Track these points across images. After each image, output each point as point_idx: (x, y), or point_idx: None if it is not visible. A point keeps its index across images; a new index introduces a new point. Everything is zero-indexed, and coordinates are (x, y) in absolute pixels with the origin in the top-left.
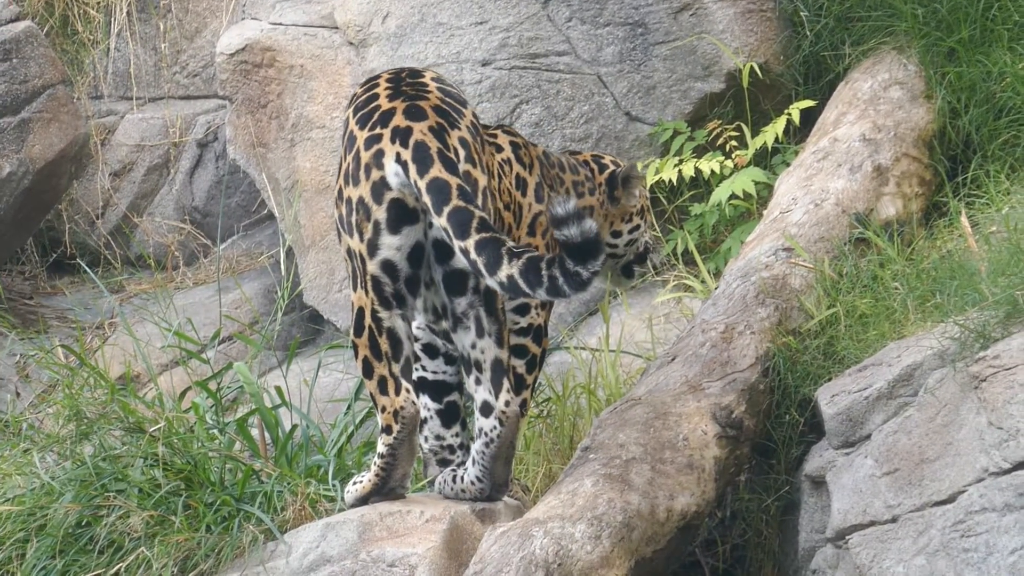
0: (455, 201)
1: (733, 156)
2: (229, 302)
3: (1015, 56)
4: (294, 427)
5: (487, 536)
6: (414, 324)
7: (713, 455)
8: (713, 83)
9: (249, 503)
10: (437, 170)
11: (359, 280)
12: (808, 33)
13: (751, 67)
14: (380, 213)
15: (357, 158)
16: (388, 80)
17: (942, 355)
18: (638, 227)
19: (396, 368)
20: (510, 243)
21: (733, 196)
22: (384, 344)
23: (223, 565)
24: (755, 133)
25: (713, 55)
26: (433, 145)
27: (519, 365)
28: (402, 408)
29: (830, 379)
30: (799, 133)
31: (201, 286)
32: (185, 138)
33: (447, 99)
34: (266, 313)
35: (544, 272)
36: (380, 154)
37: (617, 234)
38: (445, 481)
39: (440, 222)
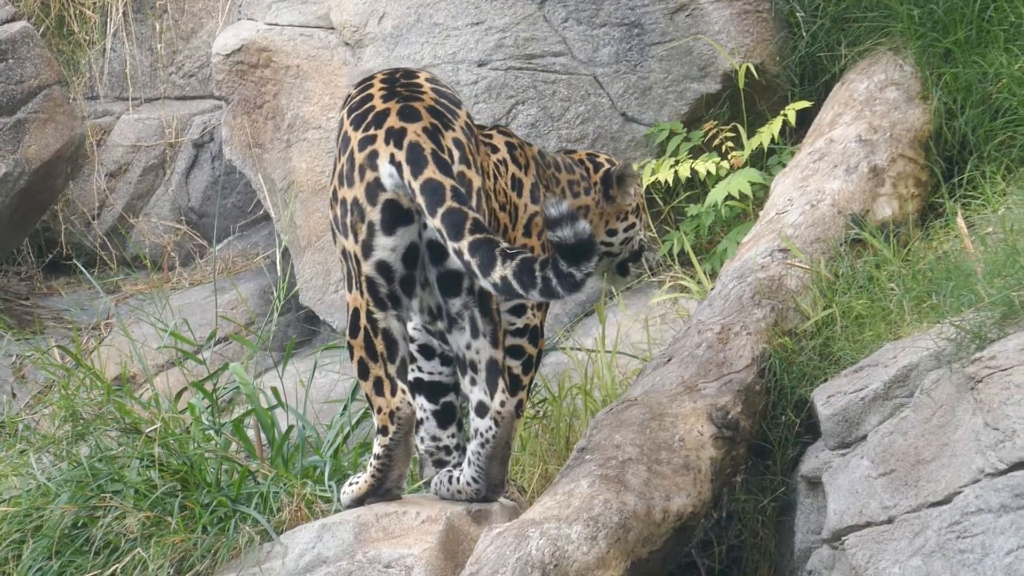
0: (449, 202)
1: (729, 157)
2: (225, 303)
3: (1011, 57)
4: (290, 428)
5: (483, 537)
6: (410, 325)
7: (709, 456)
8: (709, 84)
9: (245, 504)
10: (431, 171)
11: (354, 281)
12: (804, 34)
13: (747, 68)
14: (374, 214)
15: (351, 159)
16: (382, 81)
17: (938, 356)
18: (633, 225)
19: (392, 369)
20: (504, 244)
21: (729, 197)
22: (379, 345)
23: (219, 566)
24: (751, 134)
25: (709, 56)
26: (427, 146)
27: (515, 366)
28: (398, 409)
29: (826, 380)
30: (795, 134)
31: (197, 287)
32: (181, 139)
33: (441, 100)
34: (262, 314)
35: (538, 273)
36: (374, 155)
37: (613, 232)
38: (441, 482)
39: (434, 223)
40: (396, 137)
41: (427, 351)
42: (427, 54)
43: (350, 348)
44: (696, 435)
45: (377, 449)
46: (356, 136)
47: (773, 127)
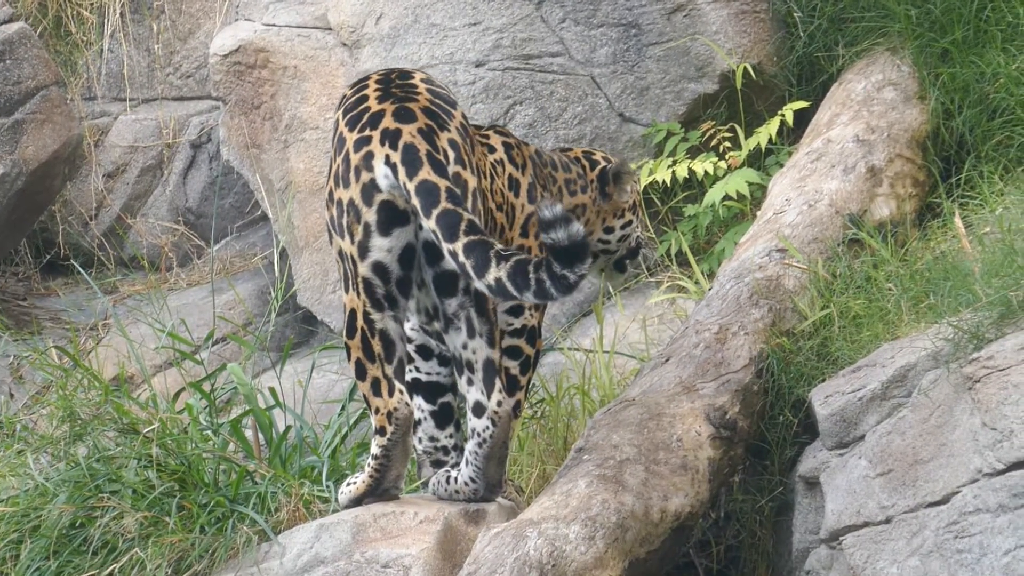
0: (444, 204)
1: (727, 157)
2: (223, 303)
3: (1008, 57)
4: (288, 428)
5: (481, 537)
6: (407, 326)
7: (707, 456)
8: (707, 84)
9: (243, 504)
10: (426, 172)
11: (351, 282)
12: (802, 34)
13: (744, 68)
14: (370, 215)
15: (347, 160)
16: (378, 81)
17: (936, 356)
18: (630, 223)
19: (389, 370)
20: (498, 246)
21: (727, 197)
22: (377, 346)
23: (217, 566)
24: (749, 134)
25: (707, 56)
26: (422, 147)
27: (513, 366)
28: (396, 410)
29: (824, 380)
30: (792, 134)
31: (195, 287)
32: (179, 139)
33: (436, 100)
34: (260, 314)
35: (531, 275)
36: (370, 156)
37: (609, 230)
38: (439, 482)
39: (429, 224)
40: (391, 138)
41: (425, 352)
42: (424, 55)
43: (347, 349)
44: (694, 435)
45: (375, 449)
46: (351, 137)
47: (771, 127)
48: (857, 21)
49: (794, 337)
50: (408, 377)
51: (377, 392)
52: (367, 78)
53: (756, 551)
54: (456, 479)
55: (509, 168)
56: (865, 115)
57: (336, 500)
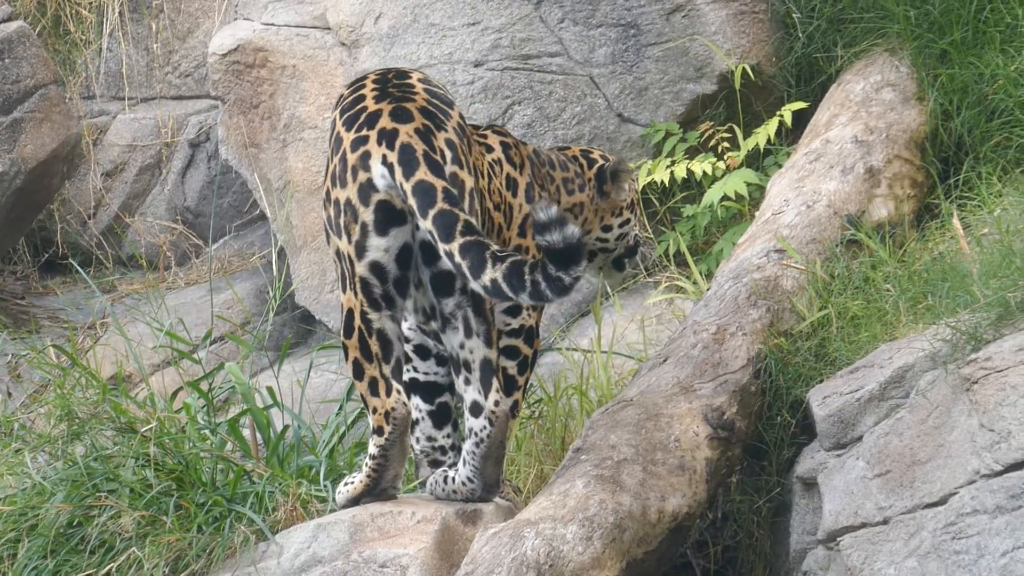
0: (440, 204)
1: (725, 157)
2: (221, 302)
3: (1007, 58)
4: (286, 428)
5: (478, 537)
6: (405, 325)
7: (704, 456)
8: (705, 84)
9: (240, 503)
10: (423, 173)
11: (348, 281)
12: (800, 35)
13: (743, 69)
14: (367, 215)
15: (344, 160)
16: (375, 81)
17: (934, 357)
18: (628, 221)
19: (387, 369)
20: (494, 247)
21: (725, 197)
22: (374, 345)
23: (214, 565)
24: (747, 135)
25: (705, 57)
26: (419, 147)
27: (510, 366)
28: (393, 409)
29: (822, 381)
30: (791, 135)
31: (193, 286)
32: (177, 138)
33: (433, 100)
34: (258, 313)
35: (527, 276)
36: (366, 156)
37: (608, 228)
38: (436, 482)
39: (425, 225)
40: (388, 138)
41: (423, 351)
42: (423, 54)
43: (345, 349)
44: (692, 436)
45: (373, 449)
46: (348, 137)
47: (769, 128)
48: (856, 22)
49: (792, 338)
50: (406, 377)
51: (375, 392)
52: (364, 78)
53: (753, 552)
54: (454, 479)
55: (507, 168)
56: (864, 116)
57: (334, 500)
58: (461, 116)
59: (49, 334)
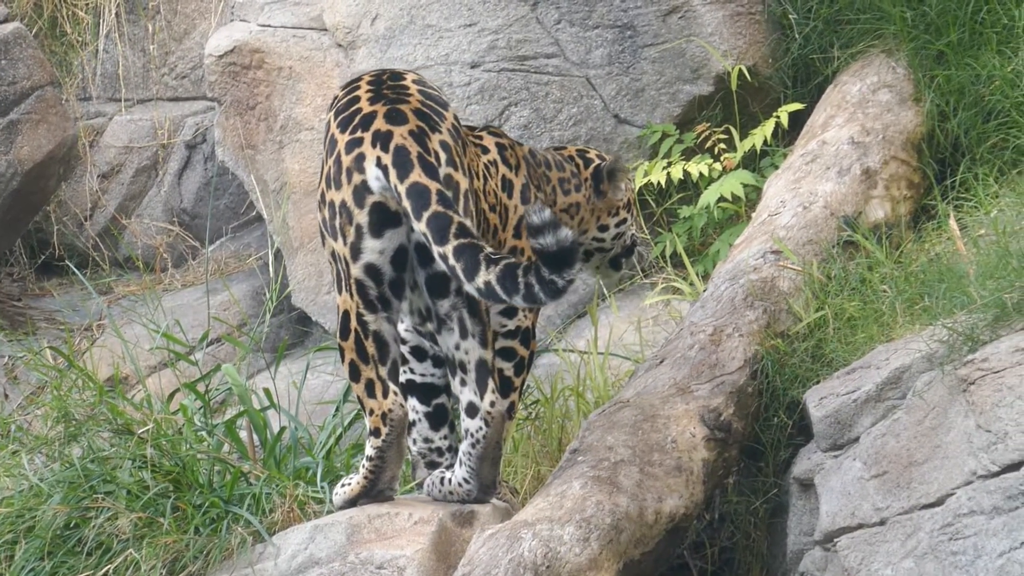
0: (434, 206)
1: (722, 159)
2: (217, 304)
3: (1004, 59)
4: (282, 429)
5: (476, 538)
6: (402, 327)
7: (701, 457)
8: (702, 86)
9: (237, 505)
10: (417, 175)
11: (344, 283)
12: (797, 36)
13: (740, 70)
14: (362, 217)
15: (338, 162)
16: (369, 83)
17: (930, 358)
18: (625, 220)
19: (383, 371)
20: (488, 249)
21: (721, 199)
22: (370, 347)
23: (211, 567)
24: (744, 136)
25: (702, 58)
26: (413, 149)
27: (507, 368)
28: (390, 411)
29: (818, 382)
30: (788, 136)
31: (189, 288)
32: (173, 140)
33: (428, 102)
34: (254, 315)
35: (520, 279)
36: (361, 158)
37: (604, 228)
38: (433, 483)
39: (419, 227)
40: (382, 140)
41: (419, 353)
42: (420, 56)
43: (341, 350)
44: (688, 437)
45: (369, 451)
46: (343, 138)
47: (766, 129)
48: (852, 23)
49: (789, 339)
50: (402, 378)
51: (371, 394)
52: (359, 79)
53: (750, 553)
54: (450, 480)
55: (503, 169)
56: (860, 117)
57: (331, 501)
58: (456, 117)
59: (46, 336)
